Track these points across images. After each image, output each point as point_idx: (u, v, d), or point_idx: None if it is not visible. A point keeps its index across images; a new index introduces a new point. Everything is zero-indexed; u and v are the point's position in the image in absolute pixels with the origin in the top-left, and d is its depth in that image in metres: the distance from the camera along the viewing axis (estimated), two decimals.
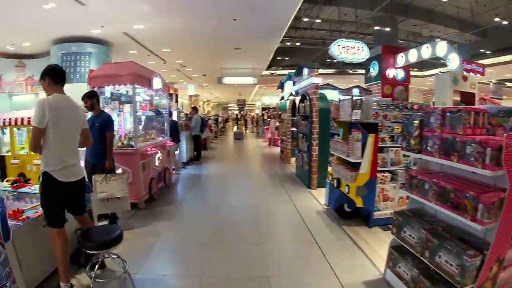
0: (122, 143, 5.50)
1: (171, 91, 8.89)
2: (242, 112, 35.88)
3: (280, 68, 20.28)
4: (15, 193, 3.62)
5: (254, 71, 17.58)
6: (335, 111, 7.10)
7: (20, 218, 2.72)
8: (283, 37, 12.17)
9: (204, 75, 20.02)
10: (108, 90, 5.94)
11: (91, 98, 4.32)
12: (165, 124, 7.62)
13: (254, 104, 44.48)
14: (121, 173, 4.43)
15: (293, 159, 9.45)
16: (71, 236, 3.04)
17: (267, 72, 19.31)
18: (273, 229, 4.62)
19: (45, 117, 2.53)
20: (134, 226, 4.53)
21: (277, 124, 14.66)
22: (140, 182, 5.31)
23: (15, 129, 6.20)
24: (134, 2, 7.88)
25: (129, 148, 5.33)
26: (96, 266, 2.83)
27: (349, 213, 4.78)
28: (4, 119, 6.12)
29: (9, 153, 6.36)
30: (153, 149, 6.05)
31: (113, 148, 4.57)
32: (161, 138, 7.05)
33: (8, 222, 2.45)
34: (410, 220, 2.70)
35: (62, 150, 2.68)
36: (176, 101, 10.05)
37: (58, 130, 2.63)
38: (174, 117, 8.92)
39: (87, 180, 4.21)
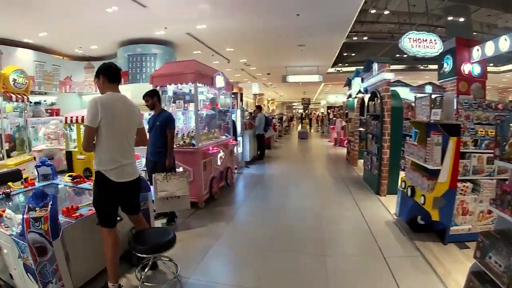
0: (184, 142, 5.58)
1: (236, 90, 8.90)
2: (306, 111, 35.45)
3: (346, 65, 19.36)
4: (75, 188, 3.78)
5: (319, 68, 17.09)
6: (406, 110, 6.49)
7: (73, 215, 2.75)
8: (349, 31, 11.53)
9: (268, 74, 20.01)
10: (170, 89, 6.07)
11: (152, 97, 4.39)
12: (228, 123, 7.63)
13: (319, 103, 43.57)
14: (182, 172, 4.45)
15: (360, 161, 8.84)
16: (125, 235, 3.05)
17: (332, 70, 18.58)
18: (337, 238, 4.27)
19: (98, 116, 2.50)
20: (192, 226, 4.53)
21: (344, 123, 14.03)
22: (200, 181, 5.31)
23: (81, 126, 6.59)
24: (195, 2, 7.96)
25: (190, 147, 5.36)
26: (146, 268, 2.81)
27: (422, 225, 4.24)
28: (71, 117, 6.63)
29: (76, 149, 6.84)
30: (215, 148, 6.05)
31: (174, 146, 4.63)
32: (224, 137, 7.04)
33: (60, 219, 2.52)
34: (497, 244, 2.20)
35: (115, 150, 2.63)
36: (241, 100, 10.08)
37: (112, 129, 2.59)
38: (235, 117, 8.89)
39: (147, 177, 4.33)
